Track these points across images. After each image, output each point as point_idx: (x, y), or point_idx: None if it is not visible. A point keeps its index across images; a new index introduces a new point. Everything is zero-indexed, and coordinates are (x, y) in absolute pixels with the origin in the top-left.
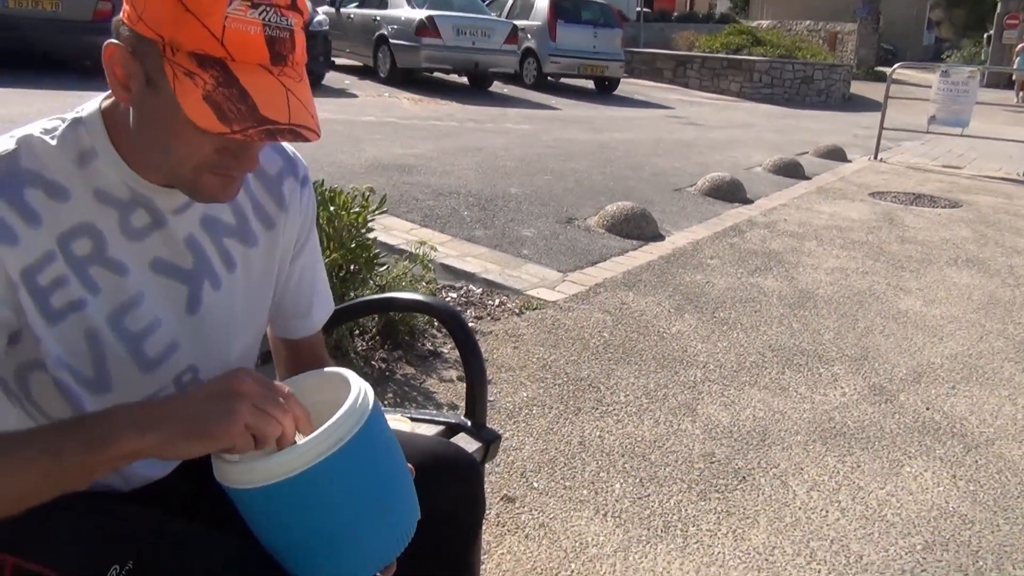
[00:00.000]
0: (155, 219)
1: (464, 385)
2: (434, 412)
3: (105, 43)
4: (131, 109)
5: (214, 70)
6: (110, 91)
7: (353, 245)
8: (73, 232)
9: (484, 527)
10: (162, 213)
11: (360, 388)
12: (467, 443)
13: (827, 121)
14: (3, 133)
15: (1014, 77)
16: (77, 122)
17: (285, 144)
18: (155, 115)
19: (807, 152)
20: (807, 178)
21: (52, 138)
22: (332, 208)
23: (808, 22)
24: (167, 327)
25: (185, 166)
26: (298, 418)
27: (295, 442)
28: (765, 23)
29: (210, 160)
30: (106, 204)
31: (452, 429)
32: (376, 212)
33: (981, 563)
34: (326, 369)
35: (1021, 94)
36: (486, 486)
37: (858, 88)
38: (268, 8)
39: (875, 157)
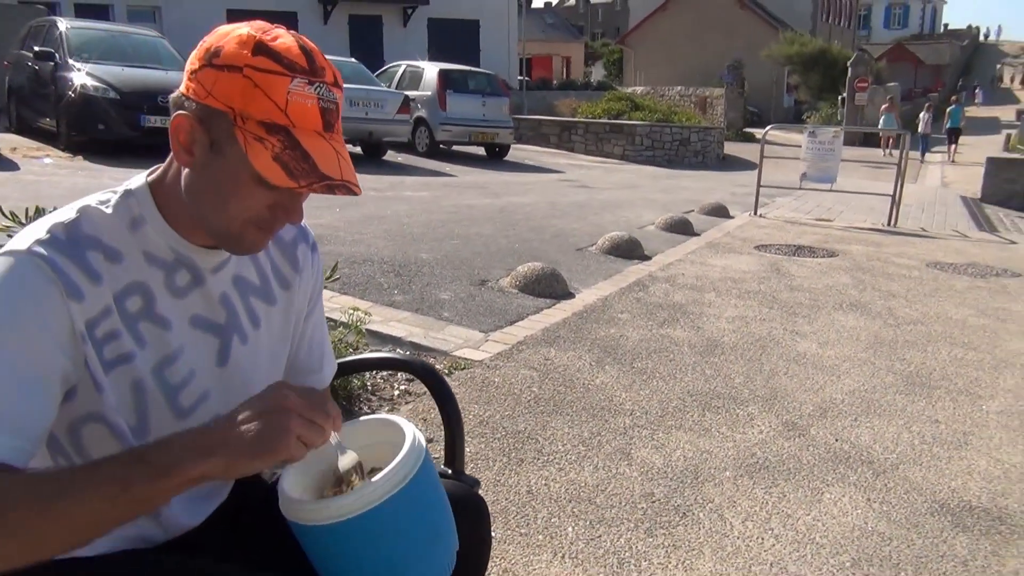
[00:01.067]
0: (195, 278)
1: (417, 420)
2: None
3: (173, 115)
4: (186, 172)
5: (280, 135)
6: (154, 167)
7: None
8: (127, 290)
9: None
10: (202, 272)
11: (414, 431)
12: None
13: (706, 180)
14: None
15: (881, 134)
16: (128, 194)
17: None
18: (217, 176)
19: (693, 210)
20: (696, 234)
21: (107, 207)
22: None
23: (679, 87)
24: (200, 379)
25: (235, 222)
26: (334, 418)
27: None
28: (640, 89)
29: (261, 216)
30: (154, 265)
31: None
32: (331, 280)
33: (903, 574)
34: (370, 416)
35: (888, 149)
36: None
37: (730, 148)
38: (321, 85)
39: (755, 213)
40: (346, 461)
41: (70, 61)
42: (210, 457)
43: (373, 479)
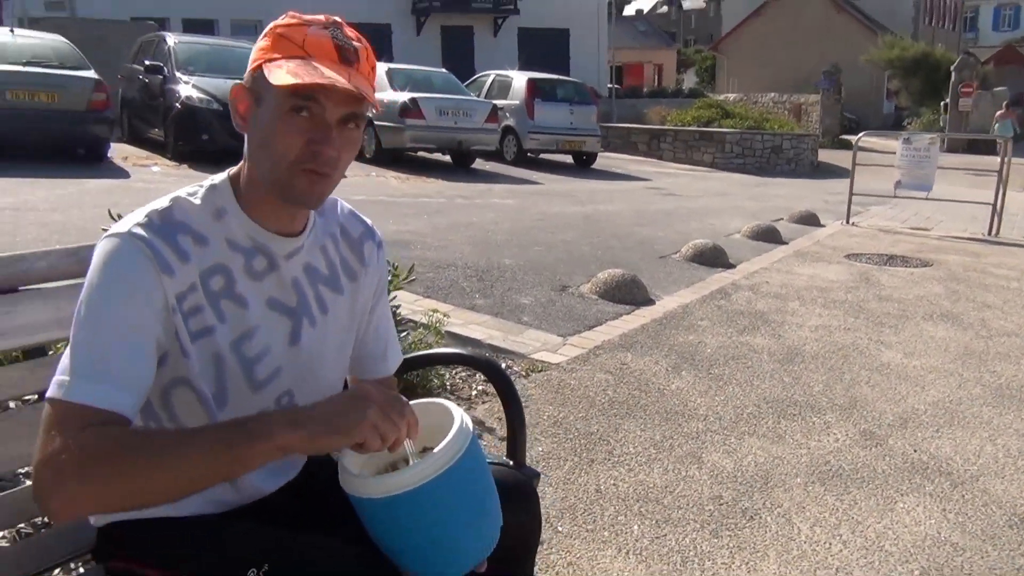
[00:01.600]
0: (271, 263)
1: (492, 418)
2: None
3: (232, 85)
4: (247, 140)
5: (297, 59)
6: (233, 167)
7: None
8: (211, 270)
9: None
10: (276, 259)
11: (462, 415)
12: None
13: (798, 188)
14: (13, 218)
15: (997, 141)
16: (212, 187)
17: (364, 217)
18: (261, 123)
19: (782, 218)
20: (784, 243)
21: (196, 198)
22: None
23: (773, 94)
24: (274, 355)
25: (282, 165)
26: (410, 425)
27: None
28: (732, 96)
29: (302, 153)
30: (235, 250)
31: (497, 467)
32: (406, 280)
33: None
34: (424, 400)
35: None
36: None
37: (825, 156)
38: (336, 28)
39: (847, 221)
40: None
41: (177, 74)
42: (298, 429)
43: (424, 458)
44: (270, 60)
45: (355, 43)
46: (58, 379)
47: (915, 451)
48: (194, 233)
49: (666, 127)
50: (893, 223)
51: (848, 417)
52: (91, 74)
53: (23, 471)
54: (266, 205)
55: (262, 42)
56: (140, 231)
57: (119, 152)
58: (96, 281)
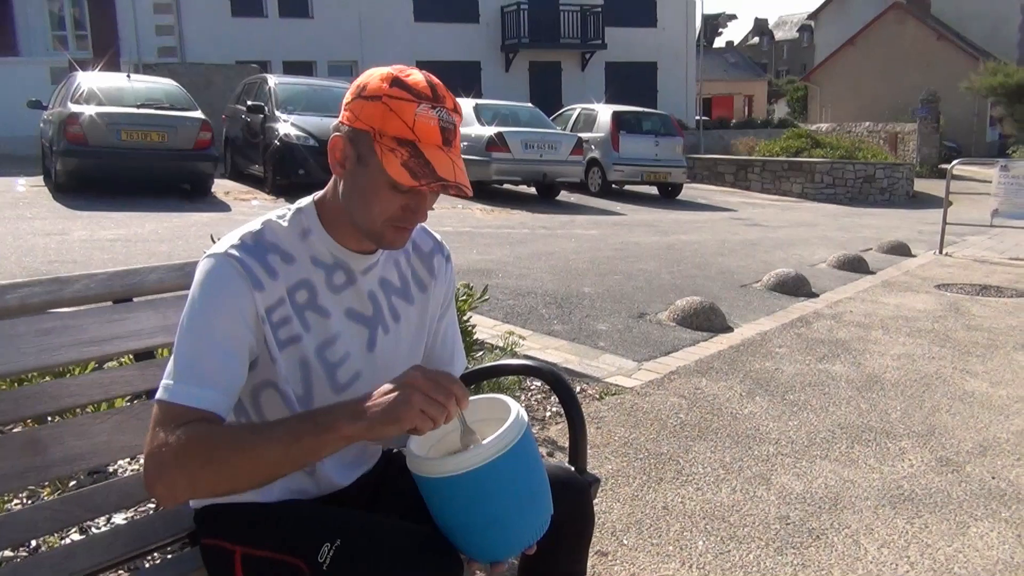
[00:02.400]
0: (349, 278)
1: (564, 438)
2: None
3: (332, 135)
4: (341, 183)
5: (408, 148)
6: (319, 191)
7: None
8: (297, 285)
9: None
10: (354, 274)
11: (518, 408)
12: None
13: (891, 218)
14: (124, 249)
15: None
16: (299, 210)
17: (434, 232)
18: (362, 182)
19: (871, 248)
20: (871, 272)
21: (284, 221)
22: None
23: (868, 124)
24: (353, 360)
25: (378, 220)
26: (459, 398)
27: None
28: (824, 126)
29: (396, 215)
30: (318, 266)
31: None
32: (480, 300)
33: None
34: (485, 395)
35: None
36: None
37: (922, 186)
38: (442, 109)
39: (940, 251)
40: (465, 431)
41: (277, 113)
42: (358, 420)
43: (482, 444)
44: (380, 135)
45: (454, 117)
46: (163, 383)
47: (993, 478)
48: (282, 252)
49: (754, 157)
50: (990, 253)
51: (925, 444)
52: (198, 115)
53: (127, 461)
54: (347, 228)
55: (369, 105)
56: (235, 251)
57: (222, 187)
58: (196, 296)
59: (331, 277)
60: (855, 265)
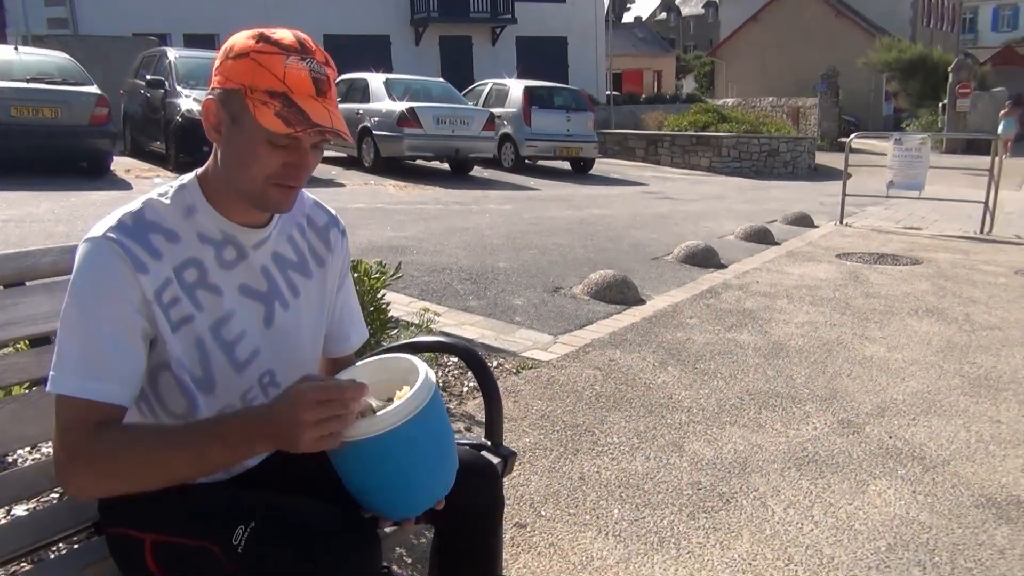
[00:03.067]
0: (240, 253)
1: (481, 413)
2: (457, 435)
3: (204, 99)
4: (219, 150)
5: (280, 99)
6: (200, 167)
7: (372, 309)
8: (184, 264)
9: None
10: (245, 248)
11: (426, 368)
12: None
13: (794, 191)
14: (18, 229)
15: (1003, 139)
16: (182, 187)
17: (327, 207)
18: (238, 143)
19: (776, 220)
20: (777, 243)
21: (166, 199)
22: (355, 275)
23: (771, 99)
24: (251, 337)
25: (258, 180)
26: (355, 399)
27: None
28: (730, 101)
29: (277, 172)
30: (206, 243)
31: (475, 448)
32: (393, 277)
33: (937, 558)
34: (388, 355)
35: (1007, 154)
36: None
37: (824, 159)
38: (312, 60)
39: (840, 222)
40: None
41: (178, 88)
42: (267, 442)
43: (392, 406)
44: (251, 91)
45: (326, 69)
46: (56, 375)
47: (890, 438)
48: (165, 231)
49: (663, 132)
50: (887, 223)
51: (828, 407)
52: (93, 89)
53: (27, 450)
54: (234, 202)
55: (238, 63)
56: (113, 234)
57: (121, 165)
58: (78, 284)
59: (221, 253)
60: (761, 236)
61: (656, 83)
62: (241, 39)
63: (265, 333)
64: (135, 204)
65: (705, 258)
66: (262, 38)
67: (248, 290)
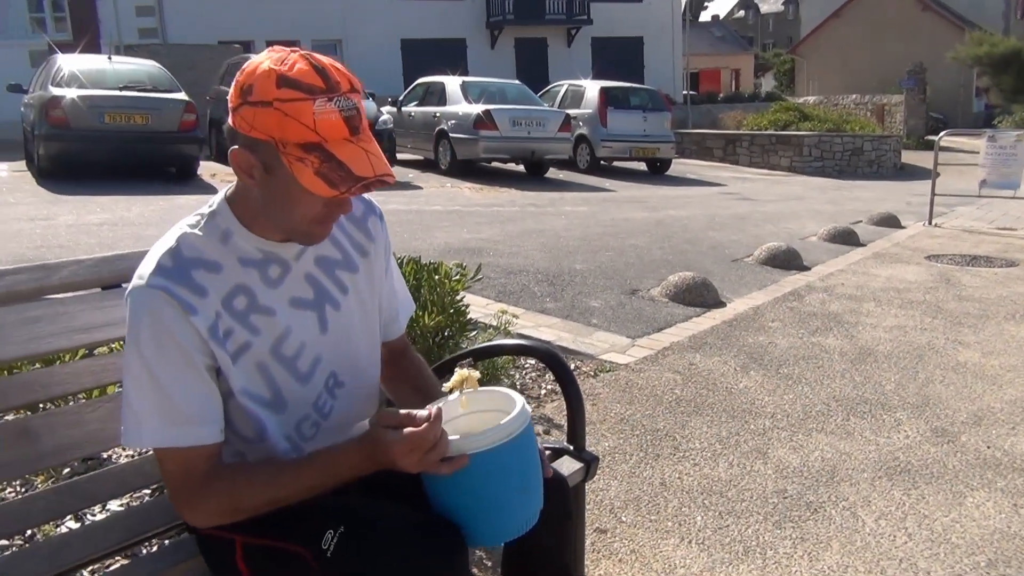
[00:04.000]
0: (284, 268)
1: (560, 416)
2: (538, 439)
3: (230, 150)
4: (256, 191)
5: (316, 152)
6: (228, 187)
7: (452, 311)
8: (232, 293)
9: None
10: (288, 262)
11: (522, 400)
12: (570, 464)
13: (879, 191)
14: (111, 233)
15: None
16: (212, 214)
17: (363, 196)
18: (277, 191)
19: (861, 221)
20: (862, 245)
21: (199, 230)
22: (436, 277)
23: (854, 96)
24: (310, 347)
25: (303, 223)
26: (432, 426)
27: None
28: (812, 99)
29: (321, 214)
30: (248, 267)
31: (556, 453)
32: (473, 279)
33: None
34: (491, 388)
35: None
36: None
37: (910, 158)
38: (339, 97)
39: (929, 222)
40: (464, 423)
41: None
42: (368, 471)
43: (484, 432)
44: (283, 144)
45: (353, 99)
46: (143, 429)
47: (988, 448)
48: (206, 263)
49: (742, 132)
50: (979, 223)
51: (920, 415)
52: (182, 96)
53: (122, 448)
54: (268, 223)
55: (262, 112)
56: (156, 280)
57: (207, 170)
58: (135, 337)
59: (266, 273)
60: (846, 238)
61: (734, 82)
62: (259, 81)
63: (322, 339)
64: (169, 240)
65: (787, 260)
66: (283, 82)
67: (298, 301)
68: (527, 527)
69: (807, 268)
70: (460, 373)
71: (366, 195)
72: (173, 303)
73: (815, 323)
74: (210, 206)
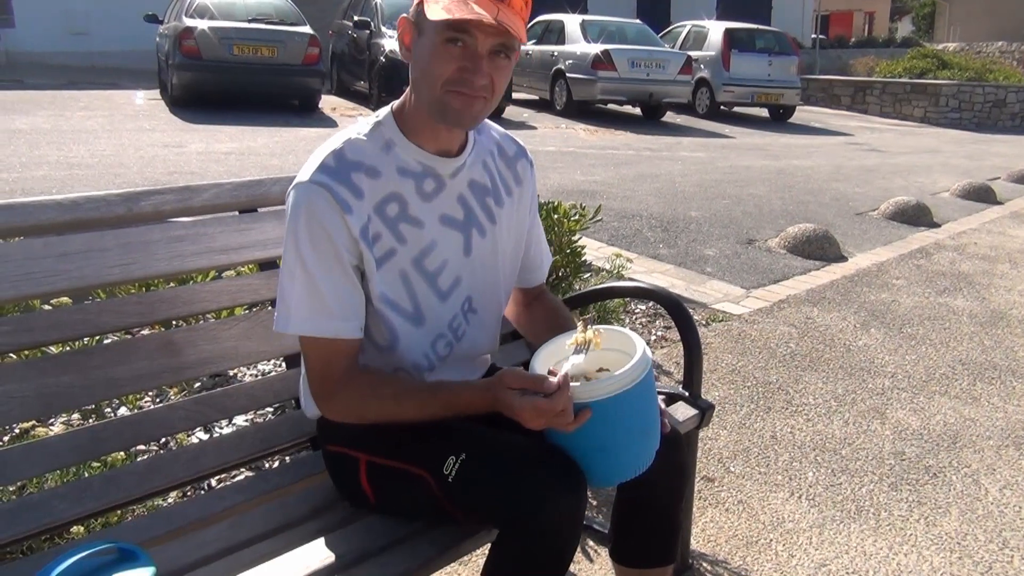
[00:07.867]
0: (439, 184)
1: (669, 362)
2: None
3: (399, 17)
4: (410, 68)
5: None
6: (394, 102)
7: (568, 251)
8: (386, 199)
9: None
10: (443, 179)
11: (644, 345)
12: (684, 411)
13: (1022, 146)
14: (238, 162)
15: None
16: (378, 123)
17: (517, 139)
18: (421, 51)
19: (999, 177)
20: (999, 203)
21: (364, 135)
22: (555, 216)
23: (1001, 43)
24: (452, 266)
25: (436, 86)
26: (558, 398)
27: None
28: (952, 46)
29: (453, 77)
30: (405, 177)
31: (671, 398)
32: (593, 220)
33: None
34: (614, 328)
35: None
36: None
37: None
38: None
39: None
40: (583, 362)
41: (383, 28)
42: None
43: (607, 377)
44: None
45: None
46: (292, 318)
47: None
48: (366, 168)
49: (873, 79)
50: None
51: None
52: (306, 30)
53: (247, 366)
54: (427, 130)
55: None
56: (319, 178)
57: (328, 103)
58: (294, 230)
59: (421, 185)
60: (981, 195)
61: (867, 26)
62: None
63: (464, 261)
64: (336, 142)
65: (916, 215)
66: None
67: (448, 219)
68: (642, 469)
69: (937, 225)
70: (583, 334)
71: (520, 142)
72: (331, 200)
73: (943, 283)
74: (377, 116)
